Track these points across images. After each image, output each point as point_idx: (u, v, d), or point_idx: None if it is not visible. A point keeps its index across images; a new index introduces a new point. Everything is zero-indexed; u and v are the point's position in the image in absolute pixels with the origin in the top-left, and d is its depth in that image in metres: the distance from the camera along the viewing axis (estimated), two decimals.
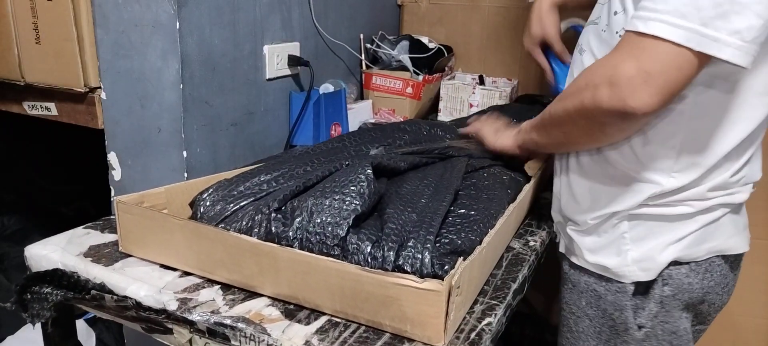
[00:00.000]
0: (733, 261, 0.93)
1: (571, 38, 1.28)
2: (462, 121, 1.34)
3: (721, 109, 0.80)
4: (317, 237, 0.74)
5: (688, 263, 0.88)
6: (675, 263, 0.88)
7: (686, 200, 0.85)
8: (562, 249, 1.01)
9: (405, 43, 1.80)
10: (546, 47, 1.28)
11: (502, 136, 1.11)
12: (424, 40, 1.83)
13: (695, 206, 0.85)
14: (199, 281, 0.80)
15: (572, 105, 0.81)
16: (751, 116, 0.82)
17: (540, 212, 1.11)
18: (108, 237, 0.92)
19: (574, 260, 0.97)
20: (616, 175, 0.88)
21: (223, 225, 0.79)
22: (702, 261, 0.88)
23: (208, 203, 0.83)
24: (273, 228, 0.75)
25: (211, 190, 0.86)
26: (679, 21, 0.68)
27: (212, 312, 0.72)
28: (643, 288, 0.90)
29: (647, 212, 0.87)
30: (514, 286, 0.84)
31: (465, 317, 0.74)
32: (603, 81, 0.73)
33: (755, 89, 0.79)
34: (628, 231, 0.88)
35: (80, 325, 1.63)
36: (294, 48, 1.44)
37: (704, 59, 0.69)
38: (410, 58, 1.76)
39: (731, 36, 0.67)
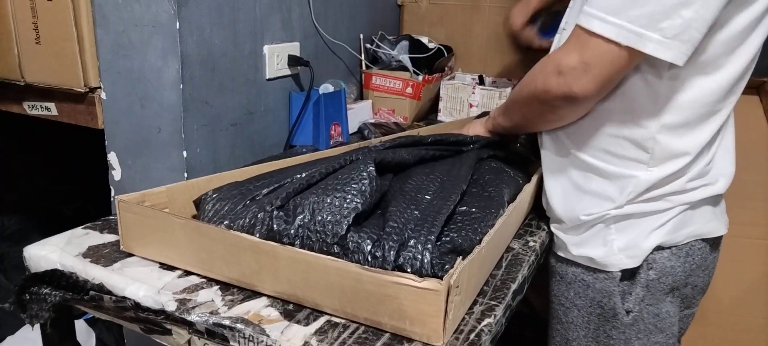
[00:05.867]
0: (713, 243, 0.98)
1: None
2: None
3: (694, 106, 0.85)
4: (317, 235, 0.74)
5: (669, 248, 0.93)
6: (658, 248, 0.92)
7: (666, 196, 0.90)
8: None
9: (405, 43, 1.80)
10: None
11: (473, 125, 1.20)
12: (424, 40, 1.83)
13: (674, 201, 0.90)
14: (198, 281, 0.80)
15: (528, 91, 0.92)
16: (722, 111, 0.88)
17: (540, 212, 1.11)
18: (107, 237, 0.92)
19: (560, 253, 1.02)
20: (596, 175, 0.94)
21: (227, 222, 0.79)
22: (682, 245, 0.93)
23: (215, 201, 0.83)
24: (275, 226, 0.75)
25: (222, 189, 0.86)
26: (611, 18, 0.77)
27: (211, 313, 0.72)
28: (629, 274, 0.94)
29: (630, 210, 0.91)
30: (514, 286, 0.84)
31: (464, 318, 0.74)
32: (552, 70, 0.84)
33: (723, 87, 0.85)
34: (613, 223, 0.93)
35: (80, 325, 1.63)
36: (294, 48, 1.44)
37: (634, 53, 0.78)
38: (410, 58, 1.76)
39: (654, 32, 0.75)
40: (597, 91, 0.82)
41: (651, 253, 0.92)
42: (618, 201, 0.91)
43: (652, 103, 0.85)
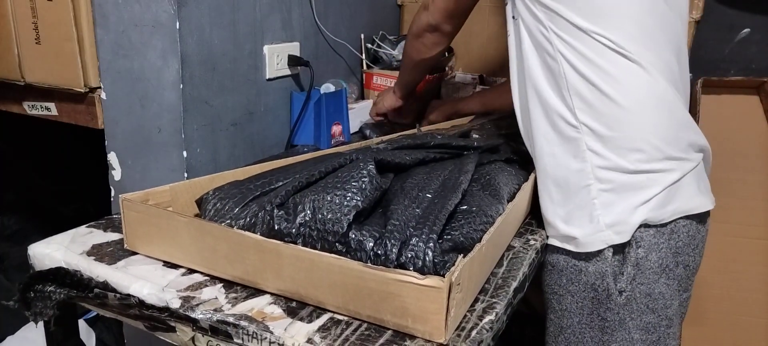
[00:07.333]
0: (699, 220, 0.99)
1: None
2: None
3: (641, 93, 0.92)
4: (319, 233, 0.74)
5: (655, 226, 0.95)
6: (644, 225, 0.94)
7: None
8: None
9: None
10: None
11: (384, 97, 1.49)
12: None
13: (654, 166, 0.93)
14: (201, 279, 0.80)
15: (411, 34, 1.26)
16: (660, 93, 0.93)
17: (539, 210, 1.11)
18: (110, 236, 0.92)
19: (551, 241, 1.03)
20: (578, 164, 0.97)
21: (228, 221, 0.79)
22: (667, 223, 0.95)
23: (216, 200, 0.83)
24: (276, 225, 0.76)
25: (222, 188, 0.86)
26: None
27: (215, 310, 0.73)
28: (619, 254, 0.96)
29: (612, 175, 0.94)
30: (515, 284, 0.84)
31: (466, 315, 0.74)
32: (423, 5, 1.19)
33: (657, 66, 0.92)
34: (597, 197, 0.95)
35: (80, 325, 1.63)
36: (294, 48, 1.44)
37: None
38: None
39: None
40: (442, 18, 1.16)
41: (638, 230, 0.94)
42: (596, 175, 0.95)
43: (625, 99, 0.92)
